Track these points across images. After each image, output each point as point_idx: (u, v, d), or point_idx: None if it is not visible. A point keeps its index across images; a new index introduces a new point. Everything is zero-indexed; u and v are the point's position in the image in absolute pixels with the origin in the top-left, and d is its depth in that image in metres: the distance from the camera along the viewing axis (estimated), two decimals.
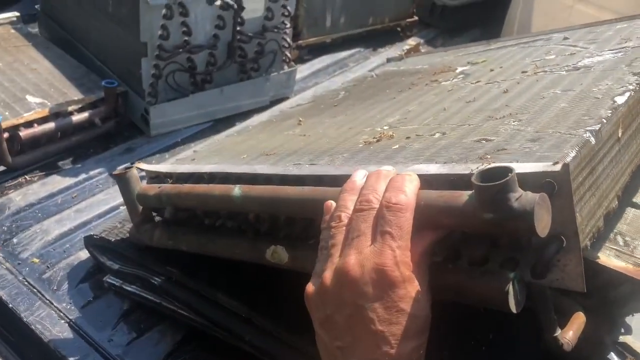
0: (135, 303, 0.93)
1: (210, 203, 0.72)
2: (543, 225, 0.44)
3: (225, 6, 1.33)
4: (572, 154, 0.51)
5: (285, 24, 1.52)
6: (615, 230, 0.83)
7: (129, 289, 0.92)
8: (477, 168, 0.50)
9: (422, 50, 1.51)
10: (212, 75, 1.43)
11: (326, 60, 1.88)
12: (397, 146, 0.68)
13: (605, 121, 0.57)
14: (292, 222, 0.67)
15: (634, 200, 0.90)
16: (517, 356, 0.82)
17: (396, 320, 0.47)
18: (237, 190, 0.68)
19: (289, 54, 1.59)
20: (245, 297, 0.81)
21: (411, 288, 0.48)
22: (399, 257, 0.48)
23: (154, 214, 0.89)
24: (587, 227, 0.54)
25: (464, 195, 0.48)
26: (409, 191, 0.51)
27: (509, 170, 0.45)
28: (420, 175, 0.55)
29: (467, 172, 0.52)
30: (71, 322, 0.91)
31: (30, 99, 1.27)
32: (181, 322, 0.88)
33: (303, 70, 1.78)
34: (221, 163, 0.83)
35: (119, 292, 0.94)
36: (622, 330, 0.87)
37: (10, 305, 0.93)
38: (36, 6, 1.65)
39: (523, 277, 0.49)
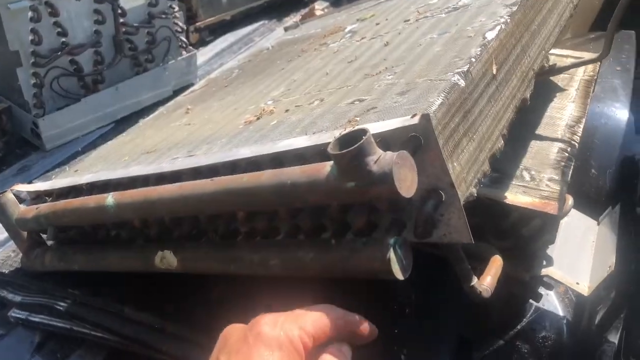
0: (47, 333, 0.86)
1: (87, 218, 0.66)
2: (408, 184, 0.41)
3: None
4: (439, 102, 0.48)
5: (173, 8, 1.44)
6: (521, 167, 0.83)
7: (36, 319, 0.86)
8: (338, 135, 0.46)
9: (318, 14, 1.46)
10: (103, 74, 1.34)
11: (229, 38, 1.80)
12: (275, 122, 0.63)
13: (474, 60, 0.54)
14: (179, 222, 0.62)
15: (537, 132, 0.90)
16: (447, 305, 0.80)
17: None
18: (109, 199, 0.62)
19: (184, 39, 1.51)
20: (154, 307, 0.76)
21: None
22: None
23: (44, 236, 0.82)
24: (470, 175, 0.51)
25: (327, 166, 0.44)
26: None
27: (363, 133, 0.41)
28: (290, 151, 0.51)
29: (331, 140, 0.48)
30: None
31: None
32: (98, 344, 0.82)
33: (206, 53, 1.71)
34: (101, 170, 0.76)
35: (27, 325, 0.87)
36: (544, 263, 0.87)
37: None
38: None
39: (405, 240, 0.46)
